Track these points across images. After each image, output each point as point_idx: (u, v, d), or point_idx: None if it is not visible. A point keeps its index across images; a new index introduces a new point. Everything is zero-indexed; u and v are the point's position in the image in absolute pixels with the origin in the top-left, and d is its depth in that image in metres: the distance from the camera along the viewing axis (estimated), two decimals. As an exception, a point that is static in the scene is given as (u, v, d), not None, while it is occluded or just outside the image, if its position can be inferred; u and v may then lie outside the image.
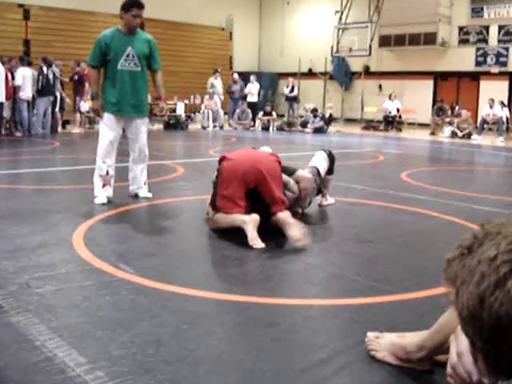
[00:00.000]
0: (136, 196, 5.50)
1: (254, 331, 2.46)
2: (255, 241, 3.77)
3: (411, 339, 2.10)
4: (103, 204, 5.09)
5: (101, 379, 1.99)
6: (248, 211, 3.95)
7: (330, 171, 5.02)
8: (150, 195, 5.53)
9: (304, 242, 3.74)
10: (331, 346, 2.35)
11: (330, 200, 5.21)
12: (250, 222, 3.81)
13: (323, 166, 4.94)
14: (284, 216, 3.91)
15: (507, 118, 15.64)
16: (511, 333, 0.79)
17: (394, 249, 3.96)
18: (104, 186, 5.21)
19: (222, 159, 4.21)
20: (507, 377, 0.84)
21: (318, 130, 15.98)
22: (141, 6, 5.20)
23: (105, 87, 5.28)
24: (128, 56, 5.21)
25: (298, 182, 4.52)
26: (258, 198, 4.05)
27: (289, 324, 2.54)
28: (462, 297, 0.84)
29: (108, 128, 5.25)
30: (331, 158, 5.01)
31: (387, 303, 2.85)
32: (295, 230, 3.77)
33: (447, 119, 16.52)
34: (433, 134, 16.40)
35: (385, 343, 2.18)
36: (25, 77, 12.30)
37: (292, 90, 18.23)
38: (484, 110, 15.67)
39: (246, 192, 4.03)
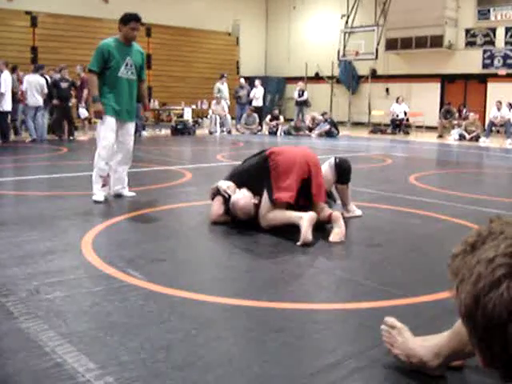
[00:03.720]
0: (119, 196, 5.80)
1: (263, 336, 2.45)
2: (307, 238, 3.91)
3: (426, 350, 2.04)
4: (101, 202, 5.45)
5: (110, 385, 2.00)
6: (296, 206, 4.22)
7: (340, 180, 4.75)
8: (133, 194, 5.87)
9: (342, 239, 4.11)
10: (341, 350, 2.34)
11: (355, 211, 4.96)
12: (307, 219, 3.99)
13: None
14: (338, 215, 4.24)
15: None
16: (502, 333, 0.81)
17: (402, 252, 3.95)
18: (104, 186, 5.59)
19: (270, 155, 4.35)
20: (501, 372, 0.86)
21: (328, 134, 15.94)
22: (138, 20, 5.60)
23: (104, 92, 5.56)
24: (127, 65, 5.58)
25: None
26: (302, 190, 4.30)
27: (298, 329, 2.54)
28: (460, 294, 0.88)
29: (110, 130, 5.57)
30: (339, 166, 4.70)
31: (397, 307, 2.84)
32: (340, 229, 4.15)
33: (455, 122, 16.46)
34: (440, 136, 16.35)
35: (401, 343, 2.13)
36: (30, 83, 12.38)
37: (302, 94, 18.20)
38: (492, 113, 15.60)
39: (299, 184, 4.26)
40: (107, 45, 5.51)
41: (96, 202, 5.45)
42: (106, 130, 5.55)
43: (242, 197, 4.34)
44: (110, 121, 5.55)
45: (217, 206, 4.56)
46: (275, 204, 4.23)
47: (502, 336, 0.81)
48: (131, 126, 5.81)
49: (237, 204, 4.32)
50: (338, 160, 4.74)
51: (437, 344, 2.02)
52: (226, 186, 4.51)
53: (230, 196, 4.44)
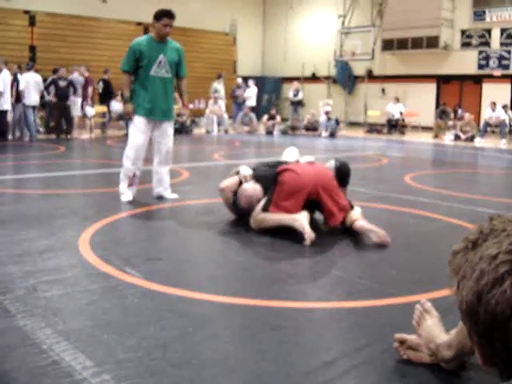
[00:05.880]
0: (161, 198, 5.64)
1: (259, 334, 2.47)
2: (310, 235, 3.93)
3: (443, 340, 2.12)
4: (129, 202, 5.37)
5: (107, 382, 2.01)
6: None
7: (339, 183, 4.61)
8: (176, 196, 5.70)
9: (386, 240, 4.04)
10: (336, 348, 2.36)
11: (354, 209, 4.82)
12: (301, 219, 4.01)
13: None
14: (360, 224, 4.21)
15: (510, 121, 15.62)
16: (504, 330, 0.81)
17: (398, 251, 3.97)
18: (130, 185, 5.49)
19: (281, 171, 4.32)
20: (500, 370, 0.86)
21: (330, 133, 15.94)
22: (171, 16, 5.44)
23: (136, 92, 5.45)
24: (160, 63, 5.43)
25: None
26: (314, 206, 4.26)
27: (294, 327, 2.55)
28: (462, 290, 0.87)
29: (140, 131, 5.44)
30: (339, 170, 4.67)
31: (392, 306, 2.86)
32: (377, 231, 4.10)
33: (450, 122, 16.49)
34: (436, 137, 16.38)
35: (428, 326, 2.21)
36: (28, 82, 12.36)
37: (297, 94, 18.24)
38: (486, 113, 15.65)
39: (303, 205, 4.21)
40: (138, 43, 5.39)
41: (126, 202, 5.38)
42: (135, 131, 5.44)
43: (252, 187, 4.39)
44: (141, 121, 5.42)
45: (231, 182, 4.59)
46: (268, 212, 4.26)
47: (504, 333, 0.81)
48: (169, 126, 5.61)
49: (244, 191, 4.37)
50: (338, 163, 4.73)
51: (450, 336, 2.09)
52: (248, 173, 4.54)
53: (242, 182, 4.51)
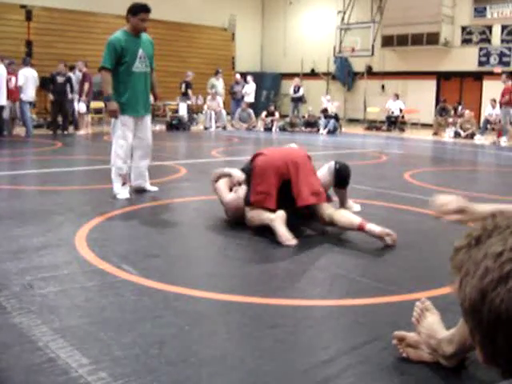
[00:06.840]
0: (142, 190, 5.69)
1: (257, 332, 2.45)
2: (286, 237, 3.84)
3: (444, 335, 2.13)
4: (127, 199, 5.36)
5: (104, 380, 1.99)
6: (277, 208, 4.05)
7: (339, 185, 4.68)
8: (156, 189, 5.80)
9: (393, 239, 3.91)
10: (334, 346, 2.34)
11: (353, 207, 4.90)
12: (276, 219, 3.91)
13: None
14: (377, 231, 3.95)
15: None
16: (508, 329, 0.80)
17: (397, 249, 3.95)
18: (124, 184, 5.47)
19: (254, 156, 4.31)
20: (502, 369, 0.85)
21: (328, 131, 15.92)
22: (148, 11, 5.36)
23: (120, 91, 5.36)
24: (140, 58, 5.39)
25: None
26: (286, 194, 4.12)
27: (292, 325, 2.54)
28: (465, 288, 0.86)
29: (128, 130, 5.43)
30: (339, 172, 4.60)
31: (391, 304, 2.84)
32: (390, 236, 3.92)
33: (450, 119, 16.47)
34: (436, 134, 16.37)
35: (428, 323, 2.21)
36: (27, 78, 12.32)
37: (297, 90, 18.21)
38: (487, 110, 15.63)
39: (278, 186, 4.12)
40: (118, 39, 5.28)
41: (124, 199, 5.35)
42: (124, 130, 5.40)
43: (235, 199, 4.33)
44: (128, 120, 5.40)
45: (226, 191, 4.49)
46: (252, 206, 4.16)
47: (508, 332, 0.79)
48: (148, 120, 5.64)
49: (230, 205, 4.36)
50: (338, 166, 4.63)
51: (451, 332, 2.09)
52: (242, 178, 4.41)
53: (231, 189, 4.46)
